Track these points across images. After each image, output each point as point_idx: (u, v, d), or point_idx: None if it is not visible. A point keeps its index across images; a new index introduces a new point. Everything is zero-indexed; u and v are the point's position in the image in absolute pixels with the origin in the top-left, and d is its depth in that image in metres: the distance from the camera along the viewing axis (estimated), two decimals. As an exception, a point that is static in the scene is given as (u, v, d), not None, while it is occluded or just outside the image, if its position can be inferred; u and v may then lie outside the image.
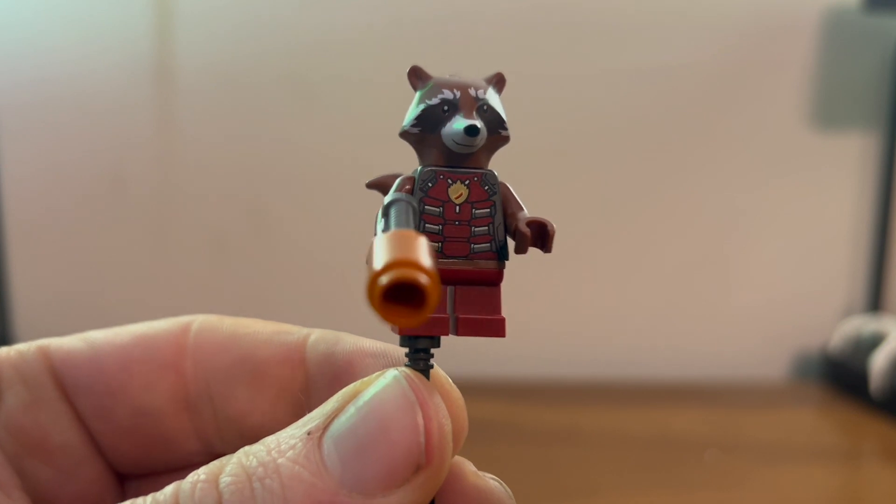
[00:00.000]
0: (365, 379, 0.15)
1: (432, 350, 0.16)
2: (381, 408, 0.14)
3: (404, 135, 0.17)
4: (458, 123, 0.17)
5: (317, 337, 0.19)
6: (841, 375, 0.65)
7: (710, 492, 0.44)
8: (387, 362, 0.18)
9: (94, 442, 0.19)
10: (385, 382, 0.15)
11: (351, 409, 0.14)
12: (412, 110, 0.17)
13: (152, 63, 0.66)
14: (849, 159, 0.69)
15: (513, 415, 0.56)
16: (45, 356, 0.19)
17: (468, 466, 0.17)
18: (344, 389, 0.15)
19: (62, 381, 0.19)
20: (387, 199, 0.16)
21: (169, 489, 0.14)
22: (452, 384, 0.17)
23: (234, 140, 0.67)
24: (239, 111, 0.67)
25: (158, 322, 0.20)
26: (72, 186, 0.67)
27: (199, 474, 0.14)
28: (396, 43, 0.65)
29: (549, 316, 0.69)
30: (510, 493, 0.17)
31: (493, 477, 0.17)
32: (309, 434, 0.14)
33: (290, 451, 0.14)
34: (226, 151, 0.67)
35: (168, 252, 0.68)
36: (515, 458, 0.47)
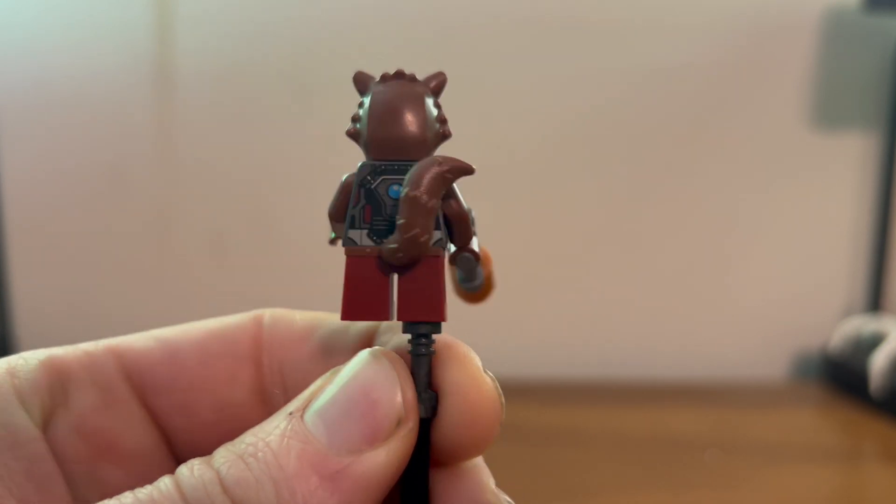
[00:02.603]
0: (339, 367, 0.16)
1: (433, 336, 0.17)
2: (360, 374, 0.16)
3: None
4: None
5: (385, 326, 0.19)
6: (841, 375, 0.65)
7: (710, 492, 0.45)
8: (454, 351, 0.18)
9: (168, 442, 0.19)
10: (360, 357, 0.16)
11: (329, 386, 0.15)
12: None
13: (152, 64, 0.66)
14: (849, 159, 0.69)
15: (513, 415, 0.56)
16: (116, 356, 0.19)
17: (490, 482, 0.18)
18: (320, 377, 0.16)
19: (138, 380, 0.19)
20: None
21: (165, 477, 0.14)
22: (481, 371, 0.17)
23: (234, 141, 0.67)
24: (239, 112, 0.67)
25: (228, 317, 0.20)
26: (72, 187, 0.67)
27: (193, 461, 0.14)
28: (396, 43, 0.65)
29: (550, 316, 0.69)
30: None
31: (509, 500, 0.17)
32: (290, 414, 0.15)
33: (276, 430, 0.15)
34: (226, 152, 0.67)
35: (168, 252, 0.68)
36: (515, 458, 0.47)
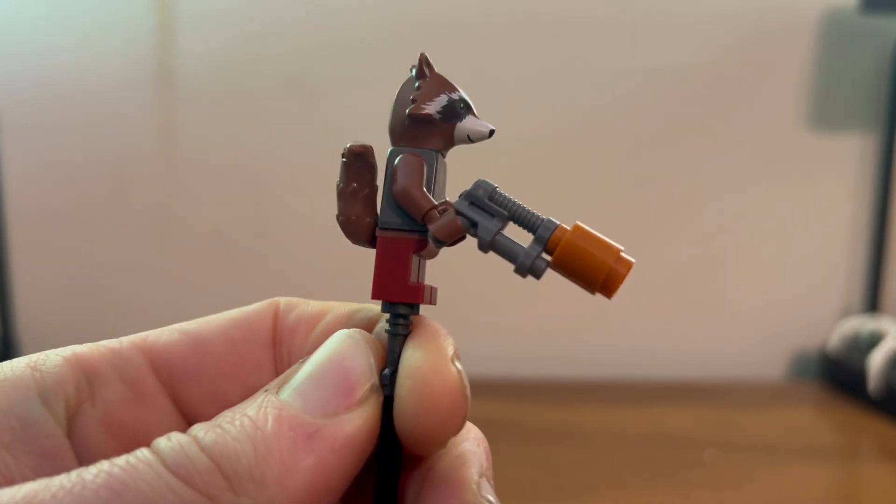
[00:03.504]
0: (311, 354, 0.17)
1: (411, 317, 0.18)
2: (333, 349, 0.16)
3: (425, 117, 0.18)
4: (483, 125, 0.18)
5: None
6: (839, 375, 0.65)
7: (709, 491, 0.45)
8: (424, 334, 0.17)
9: None
10: (333, 337, 0.17)
11: (303, 367, 0.16)
12: (434, 98, 0.18)
13: (154, 64, 0.66)
14: (847, 160, 0.69)
15: (513, 415, 0.56)
16: (143, 351, 0.19)
17: (472, 477, 0.17)
18: (296, 363, 0.17)
19: (166, 372, 0.19)
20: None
21: (142, 448, 0.14)
22: (446, 356, 0.17)
23: (234, 141, 0.67)
24: (240, 112, 0.67)
25: (248, 306, 0.20)
26: (74, 187, 0.67)
27: (170, 433, 0.15)
28: (396, 43, 0.65)
29: (550, 316, 0.69)
30: None
31: (492, 500, 0.17)
32: (266, 391, 0.16)
33: (253, 404, 0.15)
34: (226, 152, 0.67)
35: (169, 251, 0.68)
36: (515, 458, 0.47)
